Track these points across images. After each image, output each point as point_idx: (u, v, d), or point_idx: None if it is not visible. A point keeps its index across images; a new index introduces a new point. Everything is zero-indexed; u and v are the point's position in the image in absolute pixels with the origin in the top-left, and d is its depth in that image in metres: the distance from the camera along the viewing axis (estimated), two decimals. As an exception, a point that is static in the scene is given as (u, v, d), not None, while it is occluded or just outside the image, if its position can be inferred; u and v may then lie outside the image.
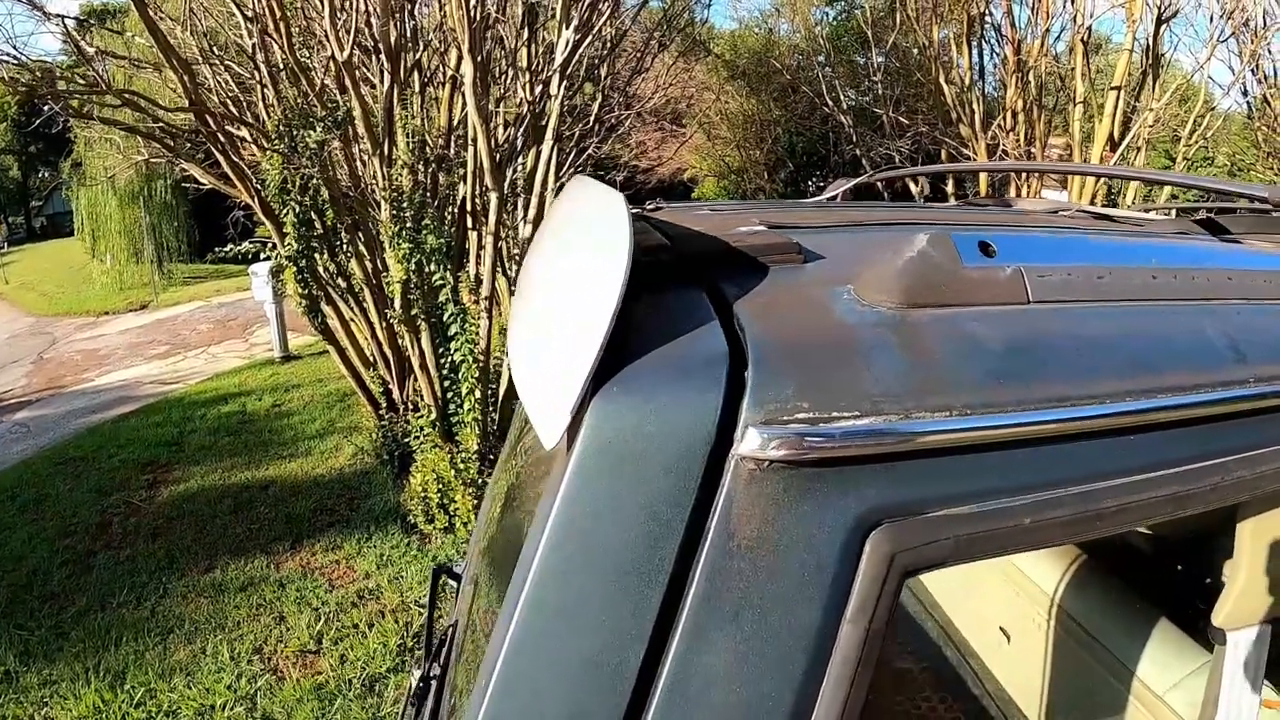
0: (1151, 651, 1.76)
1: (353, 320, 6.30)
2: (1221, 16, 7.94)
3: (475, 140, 4.99)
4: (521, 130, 5.65)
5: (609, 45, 7.24)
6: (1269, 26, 8.32)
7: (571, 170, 7.44)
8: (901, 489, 0.73)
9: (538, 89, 5.38)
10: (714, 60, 16.70)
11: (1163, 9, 7.80)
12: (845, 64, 14.24)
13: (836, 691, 0.71)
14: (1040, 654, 2.07)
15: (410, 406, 6.34)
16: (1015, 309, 0.82)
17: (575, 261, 0.88)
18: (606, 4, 5.66)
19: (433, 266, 5.01)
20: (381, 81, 5.07)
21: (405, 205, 4.99)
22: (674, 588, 0.69)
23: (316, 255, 5.55)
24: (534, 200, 5.62)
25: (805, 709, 0.70)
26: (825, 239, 1.04)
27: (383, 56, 4.84)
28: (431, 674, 1.47)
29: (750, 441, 0.68)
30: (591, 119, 7.46)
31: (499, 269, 5.73)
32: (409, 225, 4.96)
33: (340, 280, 6.01)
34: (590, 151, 7.91)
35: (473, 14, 4.44)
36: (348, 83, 4.72)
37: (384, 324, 6.01)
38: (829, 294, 0.83)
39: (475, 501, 5.37)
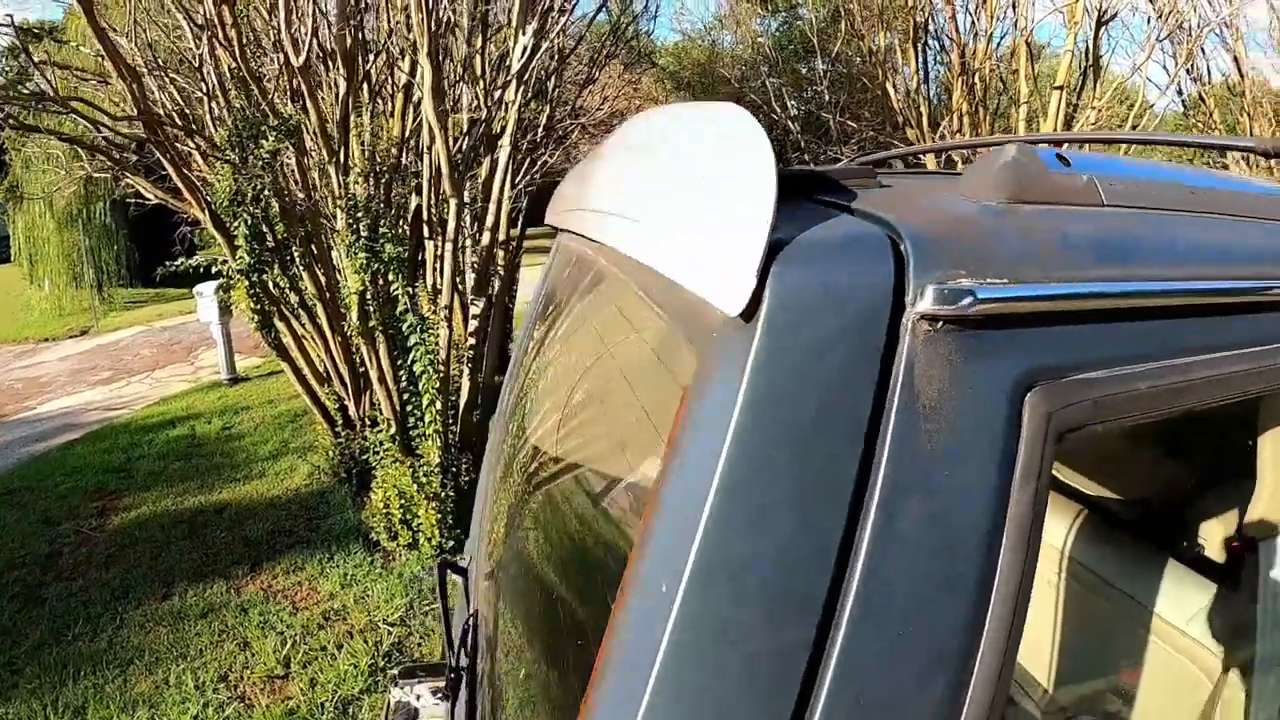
0: (1167, 588, 1.80)
1: (305, 336, 6.16)
2: (1158, 18, 8.13)
3: (432, 145, 4.93)
4: (475, 139, 5.57)
5: (558, 57, 7.19)
6: (1202, 28, 8.54)
7: (526, 179, 7.37)
8: (1050, 352, 0.79)
9: (495, 94, 5.33)
10: (659, 72, 16.74)
11: (1102, 12, 7.95)
12: (790, 72, 14.31)
13: (1015, 554, 0.73)
14: (1051, 607, 2.10)
15: (367, 422, 6.22)
16: (1095, 209, 0.93)
17: (703, 148, 0.90)
18: (559, 12, 5.64)
19: (391, 276, 4.92)
20: (335, 88, 4.99)
21: (361, 215, 4.89)
22: (866, 453, 0.70)
23: (268, 269, 5.42)
24: (491, 208, 5.56)
25: (989, 574, 0.72)
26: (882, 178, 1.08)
27: (338, 62, 4.75)
28: (461, 666, 1.43)
29: (927, 300, 0.71)
30: (540, 130, 7.41)
31: (458, 279, 5.64)
32: (365, 235, 4.87)
33: (293, 295, 5.86)
34: (543, 160, 7.86)
35: (432, 17, 4.38)
36: (304, 88, 4.62)
37: (338, 338, 5.90)
38: (937, 195, 0.92)
39: (439, 515, 5.27)
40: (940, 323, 0.71)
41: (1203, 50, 9.05)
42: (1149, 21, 8.58)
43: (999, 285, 0.74)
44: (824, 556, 0.68)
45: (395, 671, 3.53)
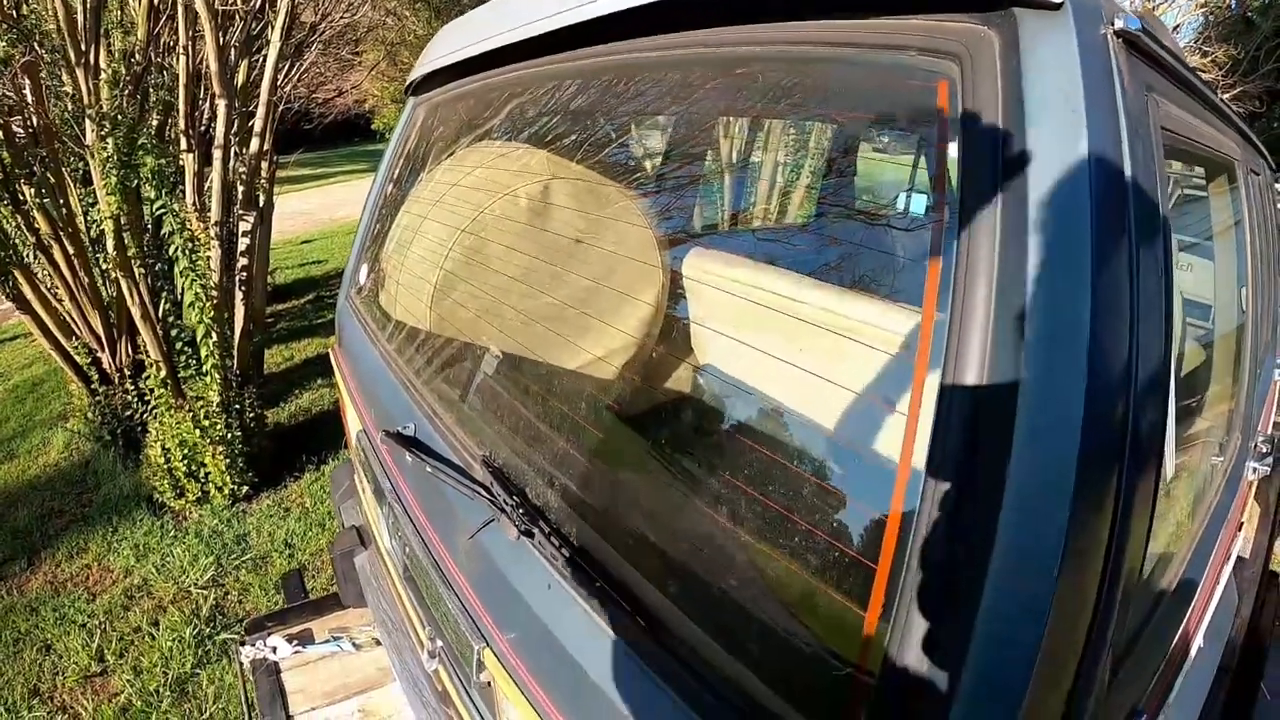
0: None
1: (45, 283, 5.19)
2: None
3: (190, 44, 4.23)
4: (239, 35, 4.84)
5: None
6: None
7: (290, 86, 6.61)
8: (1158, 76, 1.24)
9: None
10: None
11: None
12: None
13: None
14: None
15: (125, 373, 5.42)
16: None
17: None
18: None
19: (152, 193, 4.17)
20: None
21: (114, 126, 4.10)
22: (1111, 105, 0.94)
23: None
24: (260, 111, 4.89)
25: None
26: None
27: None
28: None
29: (1120, 22, 1.00)
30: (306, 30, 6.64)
31: (230, 191, 4.93)
32: (121, 149, 4.10)
33: (29, 234, 4.89)
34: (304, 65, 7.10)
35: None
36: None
37: (79, 280, 5.04)
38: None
39: (228, 460, 4.68)
40: (1122, 38, 1.01)
41: None
42: None
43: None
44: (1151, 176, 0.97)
45: (242, 628, 3.06)
